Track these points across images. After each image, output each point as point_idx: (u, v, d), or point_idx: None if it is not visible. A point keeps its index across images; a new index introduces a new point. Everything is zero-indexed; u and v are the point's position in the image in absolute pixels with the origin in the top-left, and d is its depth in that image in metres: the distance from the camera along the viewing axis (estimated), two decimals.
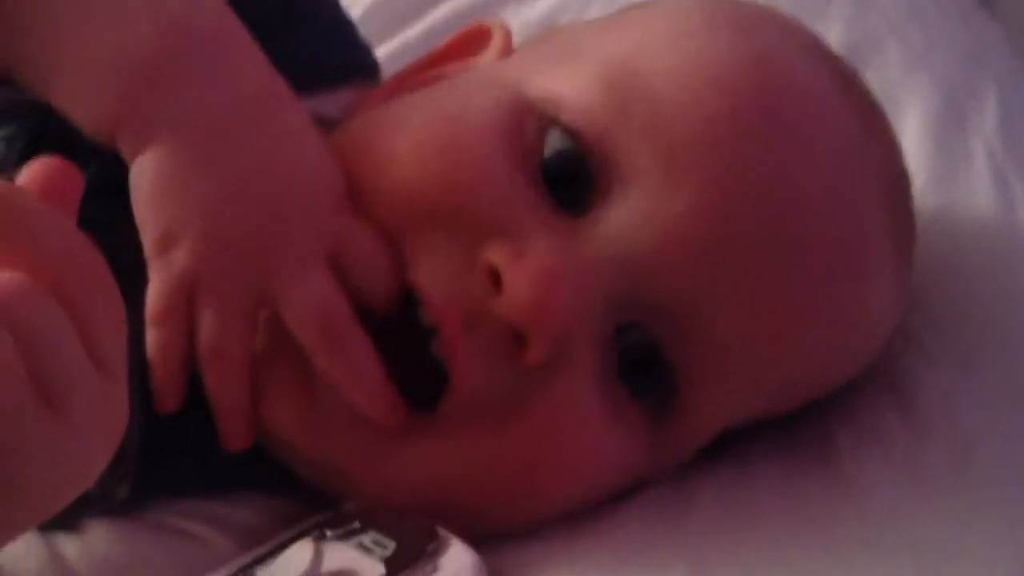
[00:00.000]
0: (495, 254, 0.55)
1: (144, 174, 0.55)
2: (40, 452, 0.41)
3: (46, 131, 0.60)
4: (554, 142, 0.57)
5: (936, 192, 0.74)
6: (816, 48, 0.63)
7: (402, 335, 0.57)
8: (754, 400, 0.60)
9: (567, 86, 0.58)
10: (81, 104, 0.55)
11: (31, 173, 0.44)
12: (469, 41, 0.67)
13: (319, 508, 0.60)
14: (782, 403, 0.61)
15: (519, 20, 0.88)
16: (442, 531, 0.55)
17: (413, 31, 0.88)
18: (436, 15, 0.90)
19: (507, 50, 0.66)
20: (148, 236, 0.55)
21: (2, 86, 0.59)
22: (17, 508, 0.42)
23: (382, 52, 0.81)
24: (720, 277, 0.56)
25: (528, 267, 0.54)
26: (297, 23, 0.66)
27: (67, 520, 0.58)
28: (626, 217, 0.56)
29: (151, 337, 0.56)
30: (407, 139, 0.58)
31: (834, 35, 0.86)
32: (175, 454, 0.60)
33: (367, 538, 0.56)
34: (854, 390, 0.63)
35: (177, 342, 0.56)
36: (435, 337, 0.56)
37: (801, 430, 0.62)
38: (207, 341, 0.56)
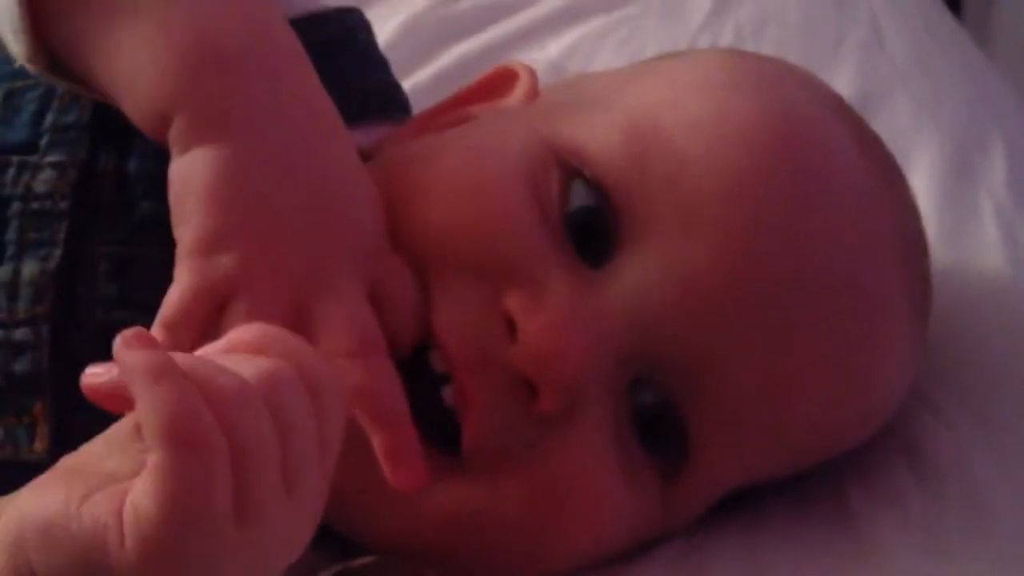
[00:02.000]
0: (513, 303, 0.55)
1: (200, 168, 0.53)
2: (221, 562, 0.45)
3: (99, 163, 0.60)
4: (577, 194, 0.58)
5: (945, 249, 0.74)
6: (837, 107, 0.64)
7: (419, 379, 0.57)
8: (768, 459, 0.60)
9: (591, 138, 0.58)
10: (143, 80, 0.53)
11: None
12: (496, 82, 0.68)
13: (329, 554, 0.60)
14: (796, 462, 0.61)
15: (529, 64, 0.88)
16: None
17: (424, 74, 0.88)
18: (446, 59, 0.90)
19: (533, 93, 0.66)
20: (192, 232, 0.53)
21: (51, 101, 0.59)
22: None
23: None
24: (735, 335, 0.56)
25: (542, 317, 0.55)
26: (342, 53, 0.67)
27: None
28: (643, 270, 0.56)
29: (161, 339, 0.53)
30: (435, 181, 0.58)
31: (843, 83, 0.87)
32: None
33: None
34: (867, 450, 0.63)
35: (187, 349, 0.54)
36: (448, 384, 0.56)
37: (815, 491, 0.62)
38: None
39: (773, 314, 0.56)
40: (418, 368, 0.57)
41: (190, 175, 0.53)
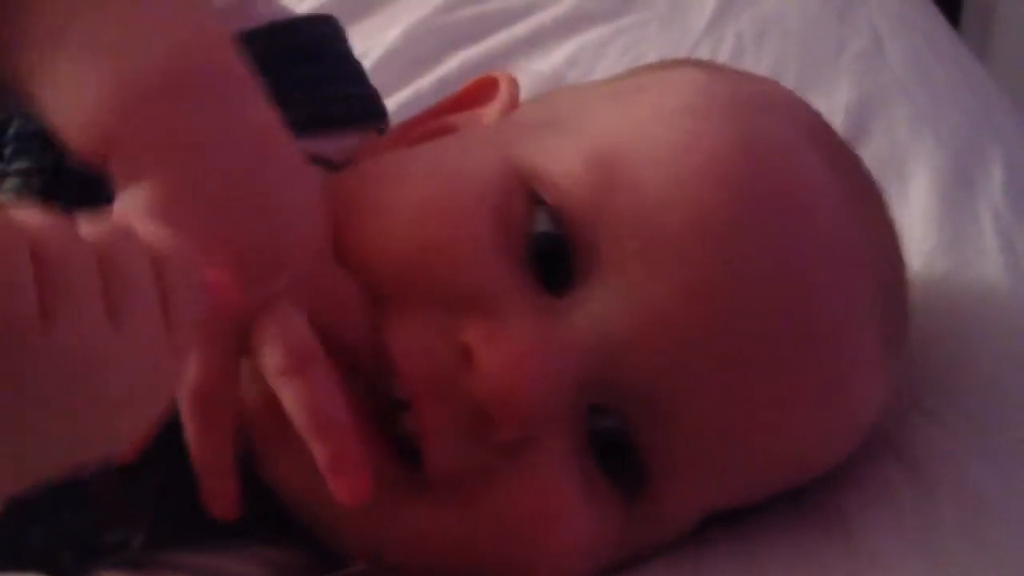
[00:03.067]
0: (470, 332, 0.55)
1: (133, 203, 0.53)
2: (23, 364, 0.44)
3: (64, 168, 0.60)
4: (540, 222, 0.57)
5: (944, 257, 0.74)
6: (814, 132, 0.62)
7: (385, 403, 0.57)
8: (736, 487, 0.60)
9: (555, 165, 0.58)
10: (75, 117, 0.53)
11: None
12: (477, 92, 0.68)
13: (327, 561, 0.60)
14: (765, 491, 0.61)
15: (530, 72, 0.89)
16: None
17: (426, 80, 0.89)
18: (449, 65, 0.91)
19: (514, 103, 0.66)
20: None
21: (14, 112, 0.60)
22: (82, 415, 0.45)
23: (395, 101, 0.82)
24: (695, 368, 0.56)
25: (500, 349, 0.54)
26: (311, 62, 0.67)
27: (82, 570, 0.58)
28: (605, 302, 0.56)
29: None
30: (398, 203, 0.58)
31: (842, 92, 0.88)
32: (188, 504, 0.60)
33: None
34: (860, 455, 0.63)
35: None
36: (408, 409, 0.56)
37: (807, 493, 0.62)
38: (188, 382, 0.54)
39: (737, 351, 0.56)
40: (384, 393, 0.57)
41: (124, 211, 0.53)
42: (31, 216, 0.45)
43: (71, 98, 0.53)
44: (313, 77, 0.67)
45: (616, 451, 0.57)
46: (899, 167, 0.81)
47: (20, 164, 0.61)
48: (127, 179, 0.53)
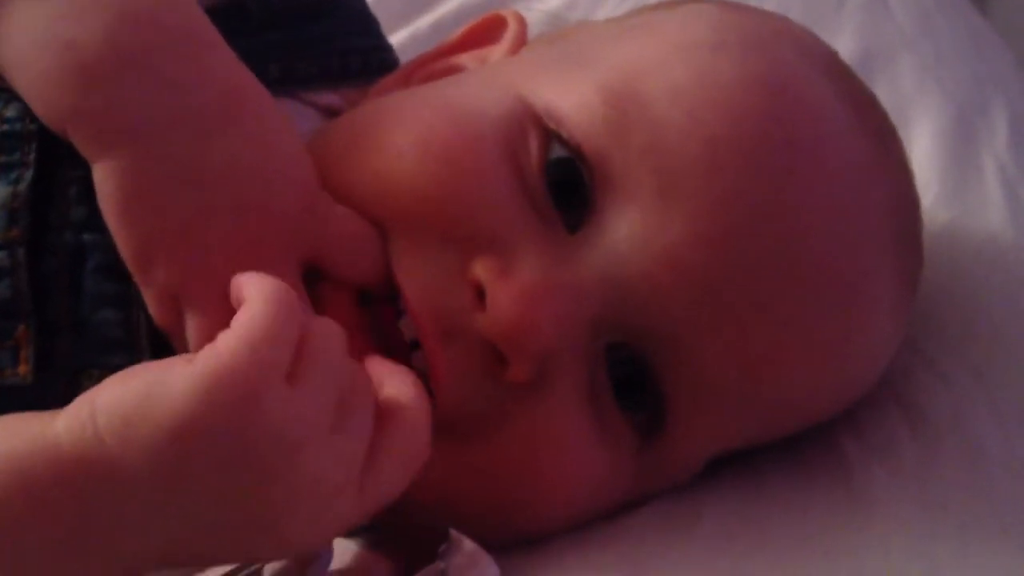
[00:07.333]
0: (482, 269, 0.54)
1: (106, 186, 0.53)
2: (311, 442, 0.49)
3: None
4: (554, 158, 0.56)
5: (947, 207, 0.74)
6: (830, 68, 0.61)
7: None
8: (748, 428, 0.59)
9: (570, 100, 0.57)
10: (33, 99, 0.53)
11: None
12: (484, 31, 0.66)
13: None
14: (778, 431, 0.61)
15: (530, 14, 0.87)
16: (454, 533, 0.54)
17: (423, 21, 0.88)
18: (447, 6, 0.90)
19: (522, 41, 0.65)
20: (124, 253, 0.53)
21: None
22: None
23: (391, 42, 0.81)
24: (712, 306, 0.55)
25: (512, 286, 0.54)
26: (325, 15, 0.65)
27: None
28: (620, 238, 0.55)
29: None
30: (408, 136, 0.57)
31: (845, 45, 0.86)
32: None
33: (376, 536, 0.56)
34: (863, 404, 0.63)
35: (182, 349, 0.54)
36: (418, 348, 0.55)
37: (810, 444, 0.62)
38: (194, 351, 0.53)
39: (751, 288, 0.55)
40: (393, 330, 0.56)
41: (100, 192, 0.53)
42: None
43: (27, 78, 0.52)
44: (328, 31, 0.65)
45: (635, 392, 0.57)
46: (903, 119, 0.79)
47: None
48: (89, 159, 0.53)
